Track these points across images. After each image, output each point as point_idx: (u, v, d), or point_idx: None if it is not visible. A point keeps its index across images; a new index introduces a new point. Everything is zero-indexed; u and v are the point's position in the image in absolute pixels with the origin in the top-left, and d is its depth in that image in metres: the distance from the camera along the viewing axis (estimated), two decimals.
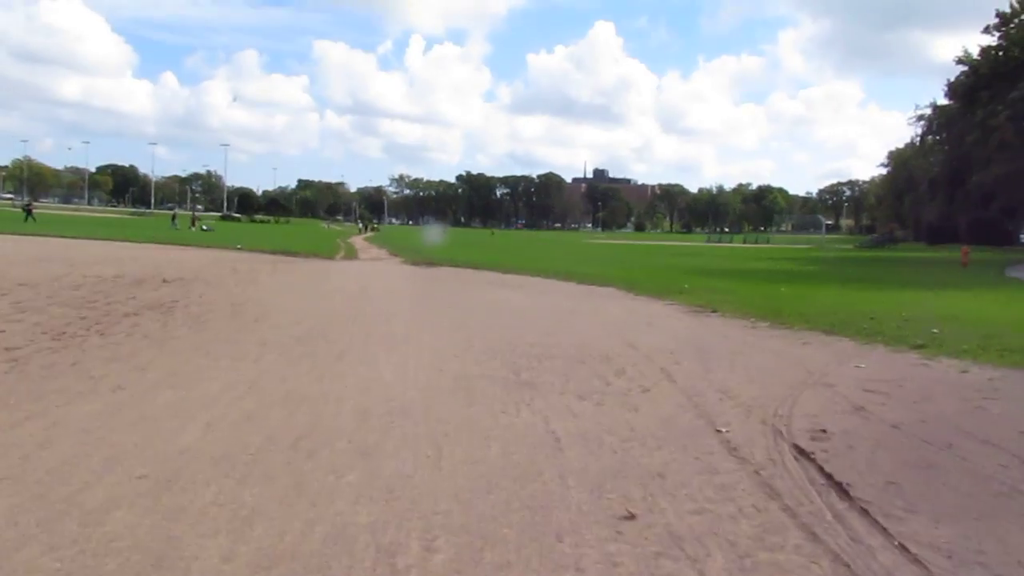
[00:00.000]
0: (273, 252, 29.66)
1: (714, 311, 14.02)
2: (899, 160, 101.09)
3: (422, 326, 10.93)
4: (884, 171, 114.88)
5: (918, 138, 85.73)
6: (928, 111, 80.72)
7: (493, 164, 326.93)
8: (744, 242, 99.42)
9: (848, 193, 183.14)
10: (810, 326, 11.87)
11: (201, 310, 11.64)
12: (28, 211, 50.93)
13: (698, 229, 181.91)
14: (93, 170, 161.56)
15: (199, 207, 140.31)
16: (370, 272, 22.20)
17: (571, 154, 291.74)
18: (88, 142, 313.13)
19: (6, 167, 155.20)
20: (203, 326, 10.10)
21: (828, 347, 10.11)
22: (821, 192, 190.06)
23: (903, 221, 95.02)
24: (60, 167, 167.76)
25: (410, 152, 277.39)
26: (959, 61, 55.25)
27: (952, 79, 57.77)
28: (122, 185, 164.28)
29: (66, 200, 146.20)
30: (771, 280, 25.37)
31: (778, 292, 19.04)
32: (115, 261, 20.58)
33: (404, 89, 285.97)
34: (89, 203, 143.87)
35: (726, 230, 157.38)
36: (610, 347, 9.59)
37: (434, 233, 44.28)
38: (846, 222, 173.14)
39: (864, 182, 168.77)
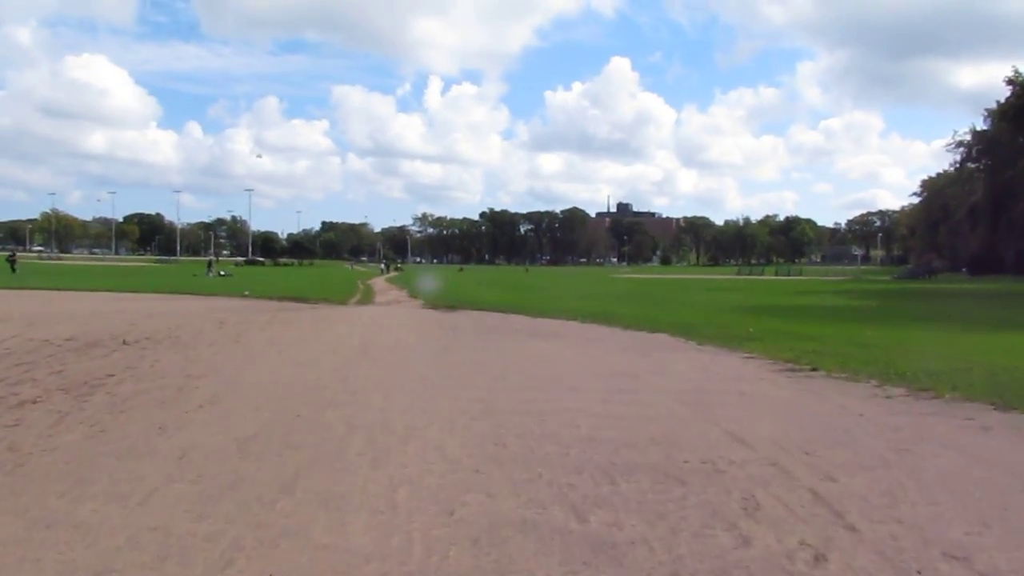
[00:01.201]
0: (281, 299, 26.77)
1: (814, 369, 10.70)
2: (933, 188, 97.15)
3: (430, 408, 7.73)
4: (916, 200, 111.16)
5: (956, 164, 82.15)
6: (967, 137, 77.20)
7: (514, 201, 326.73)
8: (776, 274, 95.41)
9: (878, 223, 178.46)
10: (965, 394, 8.51)
11: (136, 389, 8.55)
12: (12, 262, 48.67)
13: (725, 262, 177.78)
14: (120, 220, 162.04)
15: (224, 252, 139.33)
16: (381, 320, 19.10)
17: (592, 189, 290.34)
18: (115, 192, 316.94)
19: (35, 220, 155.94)
20: (115, 420, 6.97)
21: None
22: (850, 222, 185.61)
23: (939, 251, 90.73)
24: (89, 218, 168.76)
25: (431, 192, 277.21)
26: (1009, 82, 51.74)
27: (1000, 101, 54.19)
28: (148, 233, 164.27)
29: (91, 251, 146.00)
30: (839, 319, 21.91)
31: (863, 336, 15.67)
32: (86, 318, 17.69)
33: (423, 130, 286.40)
34: (116, 252, 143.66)
35: (753, 263, 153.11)
36: (709, 444, 6.33)
37: (428, 280, 41.16)
38: (876, 253, 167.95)
39: (894, 212, 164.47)
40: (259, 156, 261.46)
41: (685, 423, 7.20)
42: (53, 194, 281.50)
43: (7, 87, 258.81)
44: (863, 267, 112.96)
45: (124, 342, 12.75)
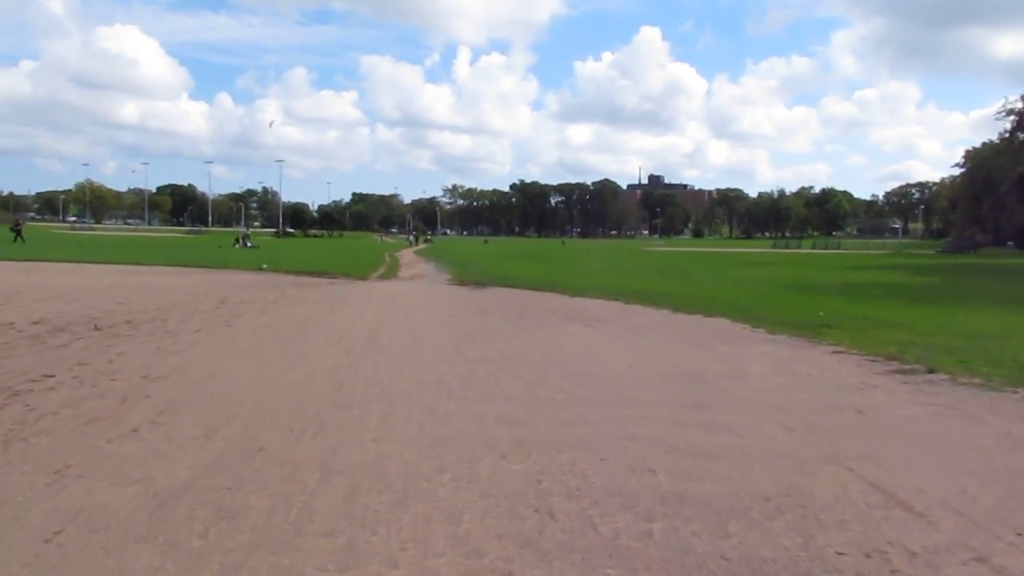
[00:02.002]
0: (298, 273, 24.86)
1: (930, 371, 8.43)
2: (977, 160, 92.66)
3: (445, 435, 5.63)
4: (957, 172, 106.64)
5: (1006, 134, 77.94)
6: (1019, 104, 73.03)
7: (543, 173, 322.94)
8: (813, 247, 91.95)
9: (916, 196, 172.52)
10: None
11: (68, 398, 6.56)
12: (17, 231, 47.05)
13: (758, 234, 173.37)
14: (153, 190, 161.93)
15: (255, 224, 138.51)
16: (400, 299, 17.05)
17: (621, 161, 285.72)
18: (147, 163, 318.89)
19: (70, 190, 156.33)
20: (3, 455, 4.97)
21: None
22: (888, 195, 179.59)
23: (981, 225, 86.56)
24: (123, 188, 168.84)
25: (460, 163, 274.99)
26: None
27: None
28: (181, 204, 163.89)
29: (124, 221, 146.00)
30: (912, 300, 19.37)
31: (958, 323, 13.31)
32: (76, 294, 15.86)
33: (451, 100, 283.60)
34: (149, 223, 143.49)
35: (786, 235, 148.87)
36: (858, 512, 4.13)
37: (456, 253, 38.90)
38: (914, 226, 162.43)
39: (934, 184, 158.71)
40: (271, 123, 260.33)
41: (803, 466, 5.01)
42: (87, 164, 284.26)
43: (41, 57, 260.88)
44: (903, 241, 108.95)
45: (96, 327, 10.82)
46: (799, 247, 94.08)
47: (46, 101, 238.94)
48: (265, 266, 27.67)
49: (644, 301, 16.52)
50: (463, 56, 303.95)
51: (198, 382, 7.39)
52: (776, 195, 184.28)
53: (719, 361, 9.22)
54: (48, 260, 27.97)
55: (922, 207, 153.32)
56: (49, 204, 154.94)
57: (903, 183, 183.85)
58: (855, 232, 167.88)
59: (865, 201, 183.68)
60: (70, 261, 27.98)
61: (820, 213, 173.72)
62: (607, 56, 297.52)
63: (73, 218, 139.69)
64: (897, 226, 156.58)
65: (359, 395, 6.96)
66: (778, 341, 10.94)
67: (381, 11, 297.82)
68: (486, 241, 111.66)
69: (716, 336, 11.47)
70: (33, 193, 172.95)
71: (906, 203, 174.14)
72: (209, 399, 6.66)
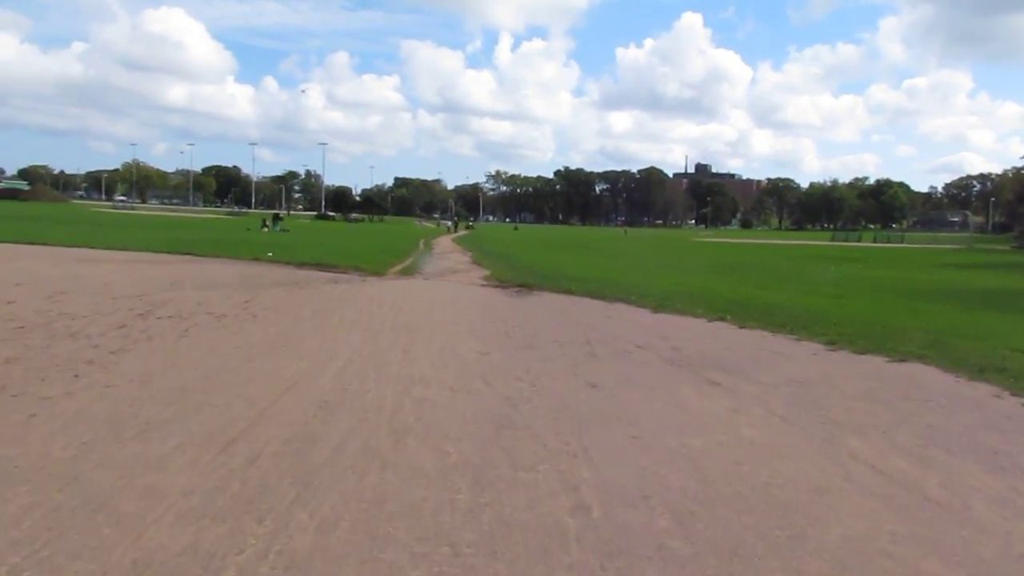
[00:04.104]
0: (301, 265, 19.81)
1: None
2: None
3: None
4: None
5: None
6: None
7: (585, 160, 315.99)
8: (875, 241, 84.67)
9: (977, 187, 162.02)
10: None
11: None
12: None
13: (808, 226, 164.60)
14: (199, 172, 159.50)
15: (299, 207, 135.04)
16: (411, 313, 11.76)
17: (663, 149, 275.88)
18: (192, 144, 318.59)
19: (117, 170, 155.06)
20: None
21: None
22: (947, 186, 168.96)
23: None
24: (172, 169, 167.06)
25: (501, 149, 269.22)
26: None
27: None
28: (225, 186, 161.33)
29: (168, 201, 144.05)
30: None
31: None
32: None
33: (492, 86, 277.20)
34: (193, 204, 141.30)
35: (839, 228, 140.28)
36: None
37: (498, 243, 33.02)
38: (976, 219, 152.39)
39: (995, 176, 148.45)
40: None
41: None
42: (134, 145, 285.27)
43: (90, 40, 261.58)
44: (973, 235, 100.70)
45: None
46: (859, 240, 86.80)
47: (96, 83, 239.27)
48: (271, 254, 22.77)
49: (760, 321, 11.08)
50: (504, 42, 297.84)
51: None
52: (829, 185, 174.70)
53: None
54: (27, 242, 23.38)
55: (991, 200, 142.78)
56: (97, 183, 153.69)
57: (959, 175, 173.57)
58: (911, 225, 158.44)
59: (923, 193, 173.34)
60: (58, 244, 23.38)
61: (875, 205, 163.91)
62: (649, 43, 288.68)
63: (123, 197, 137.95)
64: (956, 219, 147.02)
65: None
66: None
67: None
68: (516, 228, 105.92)
69: (948, 418, 5.99)
70: (83, 172, 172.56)
71: (966, 195, 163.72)
72: None
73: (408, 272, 19.82)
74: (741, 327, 10.78)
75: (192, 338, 8.46)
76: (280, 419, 5.43)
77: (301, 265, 19.79)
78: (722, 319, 11.46)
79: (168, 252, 22.42)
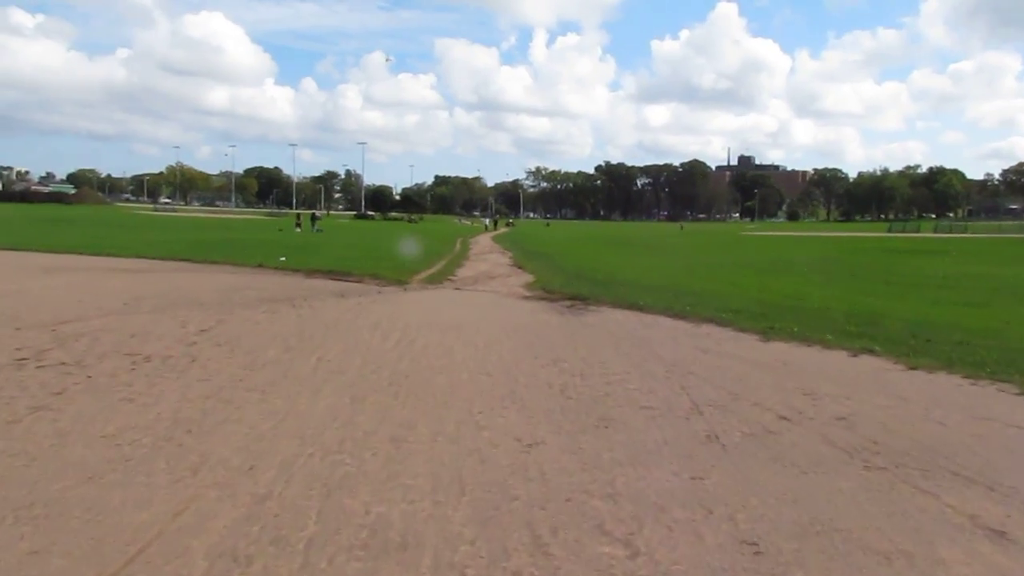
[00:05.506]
0: (312, 273, 16.61)
1: None
2: None
3: None
4: None
5: None
6: None
7: (623, 154, 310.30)
8: (935, 231, 78.85)
9: None
10: None
11: None
12: None
13: (857, 217, 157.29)
14: (241, 173, 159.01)
15: (339, 206, 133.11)
16: (432, 346, 8.37)
17: (702, 141, 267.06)
18: (234, 146, 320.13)
19: (161, 173, 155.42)
20: None
21: None
22: (1005, 172, 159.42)
23: None
24: (215, 172, 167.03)
25: (539, 146, 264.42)
26: None
27: None
28: (267, 187, 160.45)
29: (210, 203, 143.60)
30: None
31: None
32: None
33: (528, 82, 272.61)
34: (235, 205, 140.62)
35: (892, 218, 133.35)
36: None
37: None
38: None
39: None
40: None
41: None
42: (178, 147, 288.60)
43: (133, 46, 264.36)
44: None
45: None
46: (918, 231, 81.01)
47: (140, 88, 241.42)
48: (283, 259, 19.73)
49: (929, 355, 7.49)
50: (538, 37, 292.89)
51: None
52: (879, 174, 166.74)
53: None
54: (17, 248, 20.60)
55: None
56: (142, 186, 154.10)
57: (1011, 161, 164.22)
58: (968, 214, 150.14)
59: (978, 181, 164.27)
60: (56, 250, 20.56)
61: (927, 194, 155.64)
62: (685, 34, 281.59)
63: (167, 200, 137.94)
64: (1015, 207, 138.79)
65: None
66: None
67: None
68: (547, 224, 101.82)
69: None
70: (129, 176, 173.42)
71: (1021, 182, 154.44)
72: None
73: (436, 279, 16.46)
74: (910, 368, 7.16)
75: (53, 411, 5.19)
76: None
77: (311, 273, 16.58)
78: (871, 352, 7.84)
79: (164, 259, 19.43)
